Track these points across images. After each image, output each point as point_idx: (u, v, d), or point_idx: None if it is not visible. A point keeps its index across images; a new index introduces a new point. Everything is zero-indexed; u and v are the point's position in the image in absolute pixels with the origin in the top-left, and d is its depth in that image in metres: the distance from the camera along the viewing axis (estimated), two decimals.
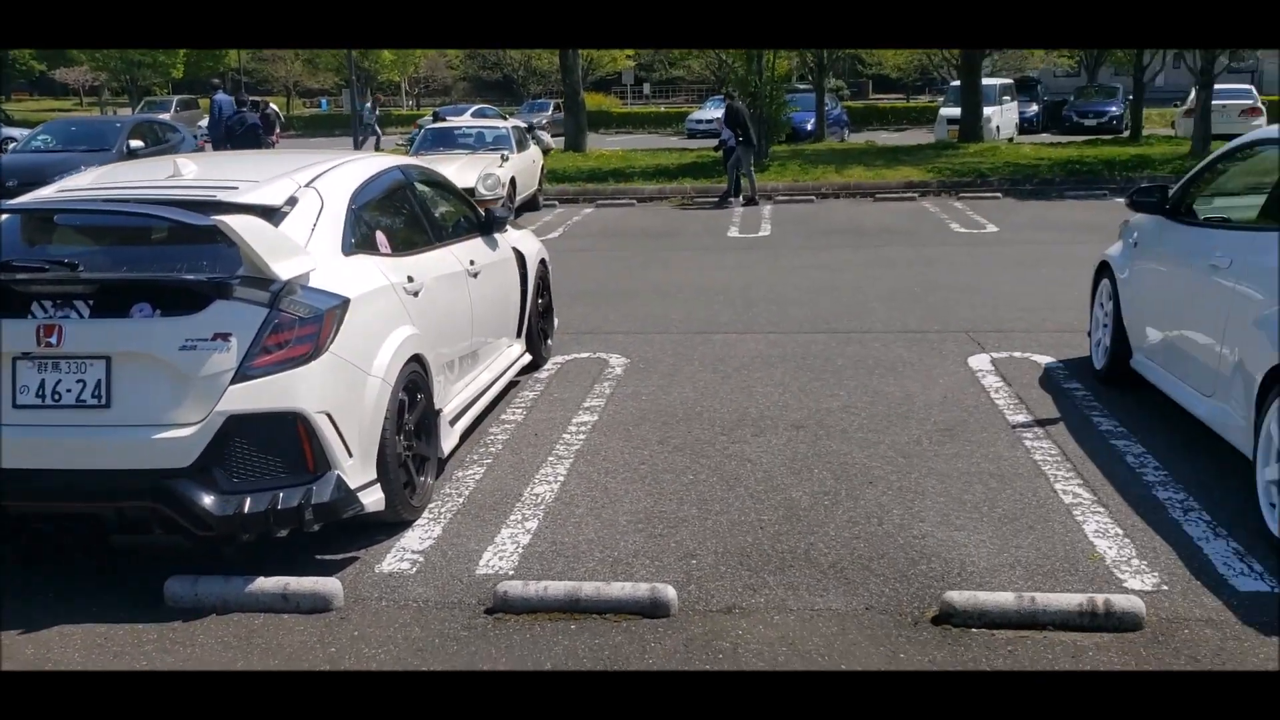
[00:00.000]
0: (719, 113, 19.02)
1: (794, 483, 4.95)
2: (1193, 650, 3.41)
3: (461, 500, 4.84)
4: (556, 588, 3.79)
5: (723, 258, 11.93)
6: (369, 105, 31.35)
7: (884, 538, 4.33)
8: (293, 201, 4.43)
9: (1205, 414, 4.92)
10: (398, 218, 5.35)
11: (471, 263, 5.68)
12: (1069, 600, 3.59)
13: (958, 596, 3.65)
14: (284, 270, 3.96)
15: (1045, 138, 29.96)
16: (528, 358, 6.74)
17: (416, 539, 4.42)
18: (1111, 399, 6.05)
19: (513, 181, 15.22)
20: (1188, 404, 5.14)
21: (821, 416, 5.94)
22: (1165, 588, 3.83)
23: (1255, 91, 28.78)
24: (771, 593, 3.90)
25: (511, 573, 4.09)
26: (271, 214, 4.29)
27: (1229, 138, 5.81)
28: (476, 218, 6.21)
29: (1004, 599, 3.62)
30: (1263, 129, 5.42)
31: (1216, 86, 21.59)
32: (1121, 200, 6.04)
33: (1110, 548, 4.17)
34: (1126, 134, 27.49)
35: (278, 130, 22.19)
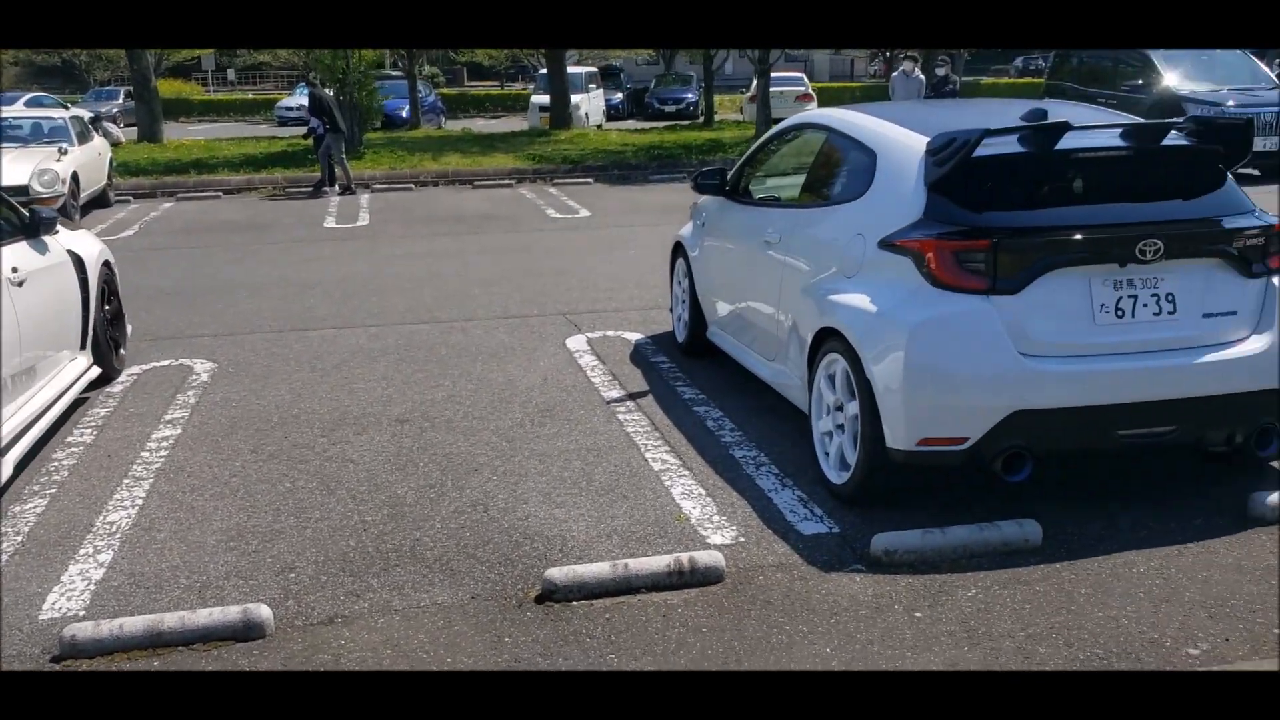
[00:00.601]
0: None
1: (399, 479, 4.87)
2: (766, 594, 3.72)
3: (20, 539, 4.31)
4: (134, 623, 3.47)
5: (319, 249, 11.50)
6: None
7: (489, 524, 4.36)
8: None
9: (769, 377, 5.40)
10: None
11: (15, 270, 5.06)
12: (658, 563, 3.79)
13: (557, 573, 3.75)
14: None
15: (631, 124, 31.58)
16: (96, 371, 6.12)
17: None
18: (693, 369, 6.49)
19: (75, 177, 13.77)
20: (755, 369, 5.61)
21: (426, 408, 5.88)
22: (742, 539, 4.16)
23: (806, 79, 32.01)
24: (376, 596, 3.80)
25: (82, 613, 3.69)
26: None
27: None
28: (20, 220, 5.54)
29: (600, 569, 3.77)
30: (801, 114, 6.00)
31: (774, 74, 23.77)
32: None
33: (695, 508, 4.46)
34: (702, 119, 29.58)
35: None
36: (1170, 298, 4.08)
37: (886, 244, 4.29)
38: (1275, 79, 16.66)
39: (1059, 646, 3.33)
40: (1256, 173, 15.62)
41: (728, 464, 4.95)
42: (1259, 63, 17.45)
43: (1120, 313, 4.05)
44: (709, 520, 4.35)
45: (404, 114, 28.62)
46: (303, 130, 18.94)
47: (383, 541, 4.23)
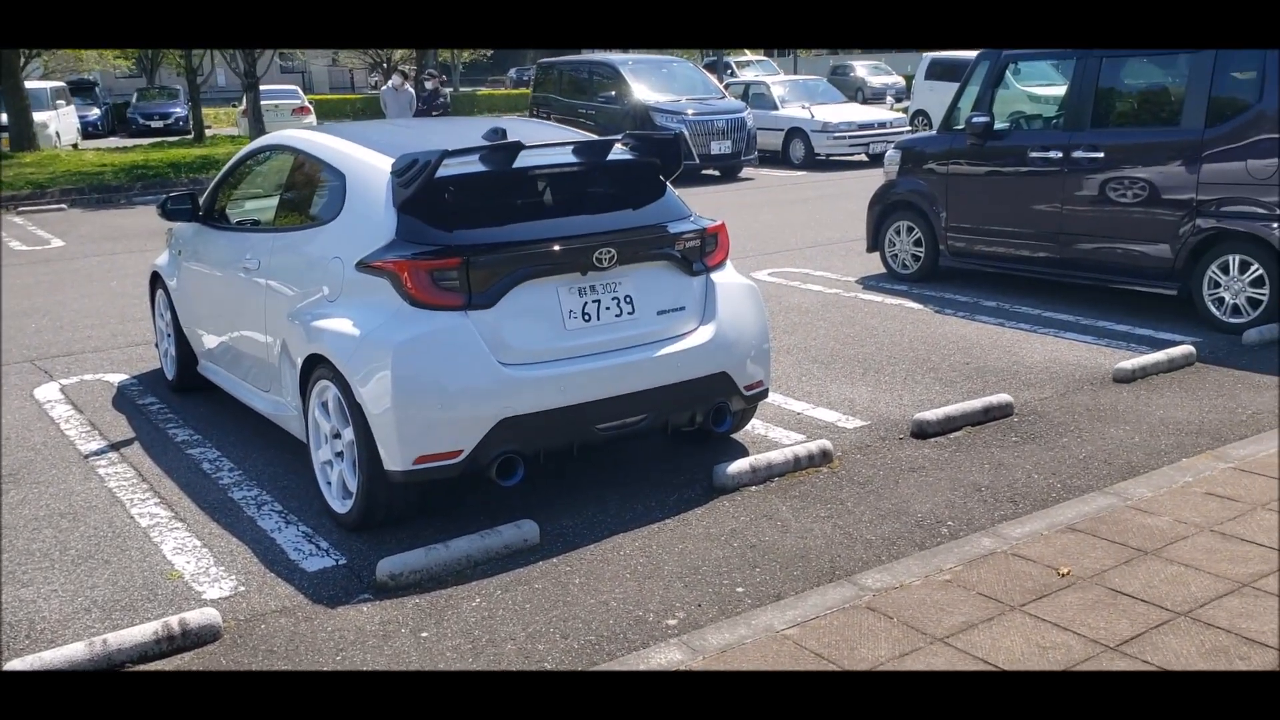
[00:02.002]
0: None
1: None
2: (269, 644, 3.55)
3: None
4: None
5: None
6: None
7: None
8: None
9: (266, 409, 5.17)
10: None
11: None
12: (144, 632, 3.48)
13: (21, 664, 3.31)
14: None
15: (114, 141, 28.93)
16: None
17: None
18: (186, 408, 6.06)
19: None
20: (250, 402, 5.35)
21: None
22: (242, 589, 3.94)
23: (301, 92, 31.13)
24: None
25: None
26: None
27: None
28: None
29: (74, 651, 3.38)
30: (270, 135, 5.79)
31: (269, 87, 22.90)
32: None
33: (189, 563, 4.16)
34: (193, 135, 27.75)
35: None
36: (629, 299, 4.45)
37: (363, 266, 4.27)
38: (723, 90, 18.84)
39: (556, 640, 3.51)
40: (717, 173, 17.60)
41: (226, 508, 4.68)
42: (709, 75, 19.65)
43: (587, 316, 4.34)
44: (205, 574, 4.07)
45: None
46: None
47: None
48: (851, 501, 4.50)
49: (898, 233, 8.84)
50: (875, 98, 33.13)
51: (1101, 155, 7.30)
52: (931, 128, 20.12)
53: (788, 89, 20.14)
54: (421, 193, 4.21)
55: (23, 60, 25.81)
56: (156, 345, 6.74)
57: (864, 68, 38.68)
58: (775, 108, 19.30)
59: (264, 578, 4.03)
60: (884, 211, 8.93)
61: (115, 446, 5.51)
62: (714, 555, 4.06)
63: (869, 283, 8.84)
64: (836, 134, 18.39)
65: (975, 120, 7.96)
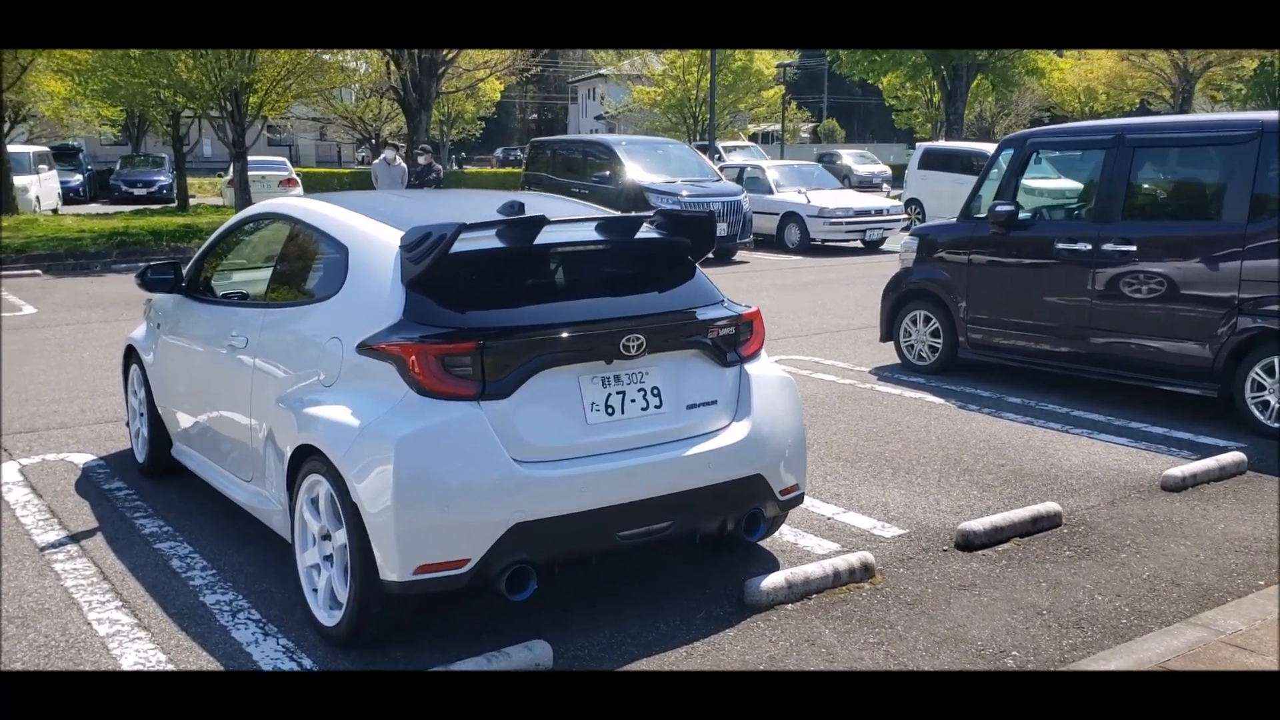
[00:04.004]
0: None
1: None
2: None
3: None
4: None
5: None
6: None
7: None
8: None
9: (246, 500, 4.68)
10: None
11: None
12: None
13: None
14: None
15: (95, 208, 28.56)
16: None
17: None
18: (157, 495, 5.55)
19: None
20: (229, 492, 4.86)
21: None
22: None
23: (289, 164, 30.97)
24: None
25: None
26: None
27: None
28: None
29: None
30: (264, 203, 5.38)
31: (256, 158, 22.65)
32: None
33: None
34: (176, 203, 27.45)
35: None
36: (656, 391, 4.01)
37: (366, 348, 3.83)
38: (718, 172, 18.70)
39: None
40: (712, 255, 17.32)
41: (197, 615, 4.16)
42: (704, 157, 19.54)
43: (611, 410, 3.90)
44: None
45: None
46: None
47: None
48: (902, 625, 4.03)
49: (914, 322, 8.48)
50: (861, 185, 33.28)
51: (1134, 248, 6.99)
52: (925, 217, 20.05)
53: (782, 173, 20.04)
54: (434, 269, 3.78)
55: (7, 125, 25.53)
56: (127, 424, 6.25)
57: (850, 156, 39.06)
58: (770, 191, 19.15)
59: None
60: (899, 300, 8.58)
61: (75, 538, 4.99)
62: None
63: (884, 374, 8.45)
64: (833, 219, 18.21)
65: (999, 209, 7.66)
